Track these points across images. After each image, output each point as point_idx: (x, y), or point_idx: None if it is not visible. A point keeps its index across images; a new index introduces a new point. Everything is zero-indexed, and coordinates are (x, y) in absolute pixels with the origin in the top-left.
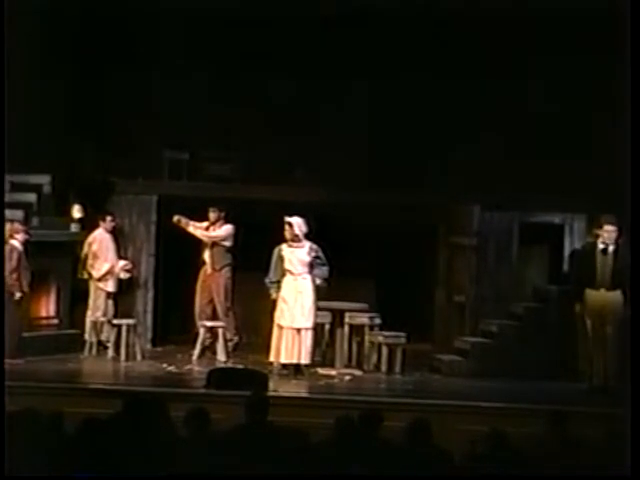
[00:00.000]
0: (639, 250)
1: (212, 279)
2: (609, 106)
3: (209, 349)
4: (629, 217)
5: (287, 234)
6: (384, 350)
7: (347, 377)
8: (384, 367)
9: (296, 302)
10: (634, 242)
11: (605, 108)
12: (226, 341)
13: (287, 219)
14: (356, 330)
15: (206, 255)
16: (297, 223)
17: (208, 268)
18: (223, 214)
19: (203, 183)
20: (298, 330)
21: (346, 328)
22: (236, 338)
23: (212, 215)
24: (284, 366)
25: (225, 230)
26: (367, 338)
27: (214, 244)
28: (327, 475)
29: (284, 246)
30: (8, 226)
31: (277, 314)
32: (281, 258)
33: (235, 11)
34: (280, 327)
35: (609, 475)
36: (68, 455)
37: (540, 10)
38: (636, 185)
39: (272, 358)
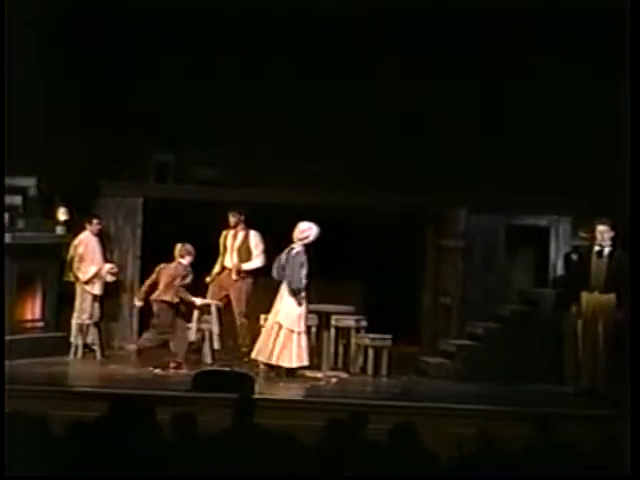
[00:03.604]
0: (638, 250)
1: (233, 284)
2: (598, 107)
3: (196, 352)
4: (628, 217)
5: None
6: (370, 352)
7: (333, 379)
8: (370, 369)
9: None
10: (633, 242)
11: (594, 109)
12: (212, 343)
13: None
14: (342, 332)
15: (230, 260)
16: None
17: (232, 273)
18: (243, 217)
19: (189, 186)
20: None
21: (332, 331)
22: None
23: (232, 219)
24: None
25: (258, 257)
26: (353, 340)
27: (240, 250)
28: (314, 477)
29: None
30: (178, 246)
31: None
32: None
33: (222, 11)
34: None
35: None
36: (53, 458)
37: (535, 10)
38: (636, 185)
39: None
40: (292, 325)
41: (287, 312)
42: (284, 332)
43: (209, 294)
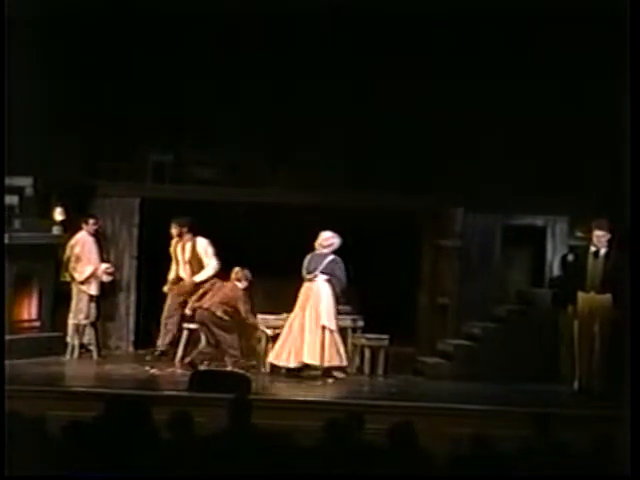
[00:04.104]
0: (638, 251)
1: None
2: (596, 106)
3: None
4: (626, 217)
5: None
6: (367, 352)
7: (330, 379)
8: (367, 369)
9: None
10: (633, 243)
11: (592, 108)
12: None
13: None
14: (339, 332)
15: (183, 271)
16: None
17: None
18: (186, 228)
19: (186, 186)
20: None
21: None
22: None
23: (174, 231)
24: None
25: (209, 264)
26: (350, 340)
27: (191, 262)
28: (311, 476)
29: None
30: (236, 269)
31: None
32: None
33: (221, 10)
34: None
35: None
36: (51, 458)
37: (536, 10)
38: (635, 186)
39: None
40: (332, 325)
41: (328, 313)
42: (328, 332)
43: (167, 303)
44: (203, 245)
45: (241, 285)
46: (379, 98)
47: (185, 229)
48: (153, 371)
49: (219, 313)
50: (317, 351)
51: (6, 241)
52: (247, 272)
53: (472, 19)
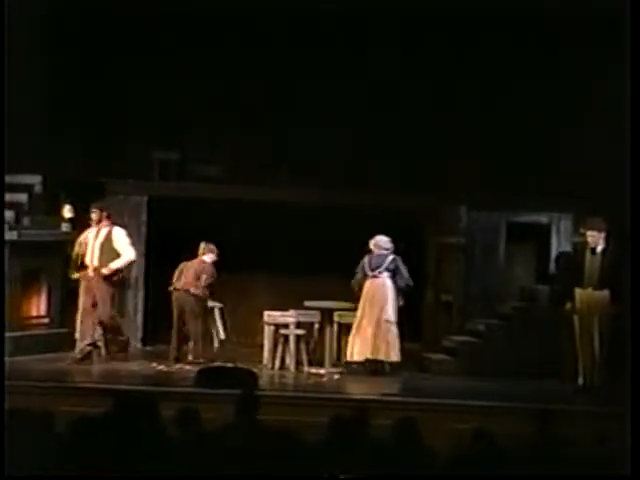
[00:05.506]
0: (638, 249)
1: (98, 284)
2: (598, 106)
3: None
4: (627, 215)
5: None
6: None
7: (336, 376)
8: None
9: None
10: (634, 241)
11: (594, 108)
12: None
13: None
14: (345, 329)
15: (90, 257)
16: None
17: (96, 272)
18: (105, 214)
19: (193, 184)
20: None
21: (335, 327)
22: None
23: (94, 216)
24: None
25: (124, 254)
26: None
27: (102, 247)
28: (316, 473)
29: None
30: (202, 245)
31: None
32: None
33: (225, 9)
34: None
35: (607, 474)
36: (58, 455)
37: (536, 10)
38: (635, 185)
39: None
40: (395, 320)
41: (393, 309)
42: (392, 328)
43: (81, 290)
44: (120, 235)
45: (209, 259)
46: (380, 97)
47: (105, 214)
48: (160, 367)
49: (193, 290)
50: (387, 346)
51: (15, 238)
52: (212, 246)
53: (473, 19)
